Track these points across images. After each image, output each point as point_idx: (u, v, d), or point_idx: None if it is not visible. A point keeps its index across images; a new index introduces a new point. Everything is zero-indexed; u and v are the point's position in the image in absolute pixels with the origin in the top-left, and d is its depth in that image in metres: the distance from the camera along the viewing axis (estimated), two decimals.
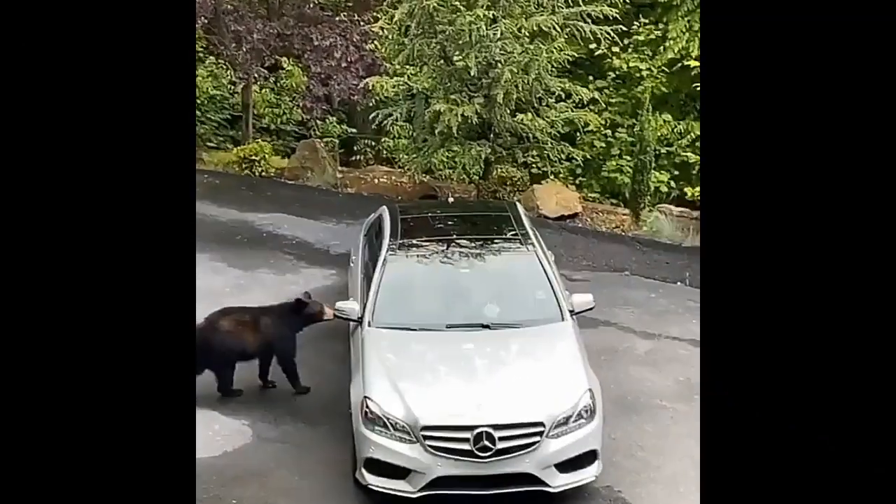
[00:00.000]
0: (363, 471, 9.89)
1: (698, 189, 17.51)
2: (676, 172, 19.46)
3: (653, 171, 18.25)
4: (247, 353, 11.58)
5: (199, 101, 21.35)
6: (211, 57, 23.03)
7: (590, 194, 19.79)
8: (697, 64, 17.87)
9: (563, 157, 18.91)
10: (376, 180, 19.94)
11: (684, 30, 19.20)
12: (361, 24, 20.20)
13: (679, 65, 19.33)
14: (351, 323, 11.30)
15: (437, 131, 17.54)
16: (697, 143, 18.52)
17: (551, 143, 18.31)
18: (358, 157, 22.70)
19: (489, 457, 9.56)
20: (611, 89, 20.36)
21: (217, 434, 10.88)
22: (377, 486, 9.83)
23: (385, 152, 22.23)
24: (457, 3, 16.98)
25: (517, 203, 13.69)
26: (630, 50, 19.88)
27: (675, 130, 19.55)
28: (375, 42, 19.07)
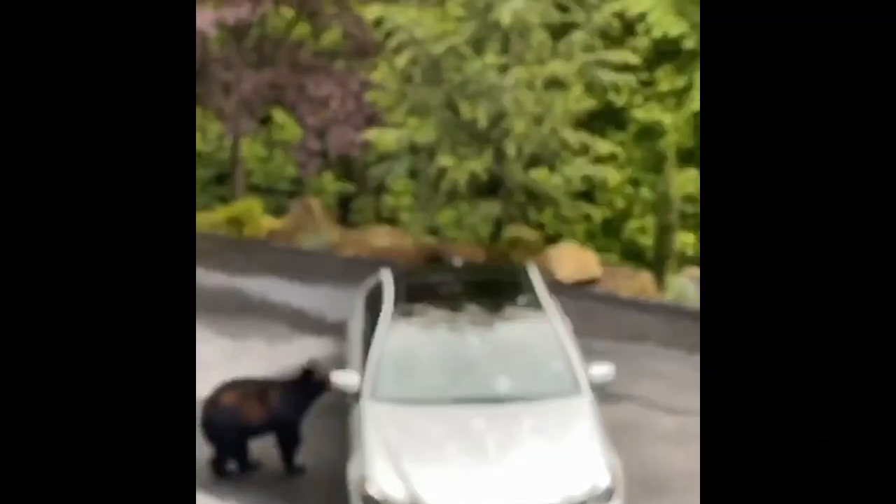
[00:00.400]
0: None
1: None
2: None
3: (678, 231, 18.30)
4: (252, 430, 11.61)
5: None
6: (197, 108, 23.15)
7: (609, 257, 19.79)
8: None
9: (580, 216, 18.98)
10: (376, 241, 20.02)
11: None
12: (360, 72, 20.30)
13: None
14: (348, 396, 11.38)
15: (442, 188, 17.59)
16: None
17: (568, 202, 18.41)
18: (356, 216, 22.77)
19: None
20: (632, 143, 20.43)
21: None
22: None
23: (386, 211, 22.31)
24: (464, 49, 17.15)
25: (532, 266, 13.73)
26: (653, 101, 20.00)
27: None
28: (375, 91, 19.14)
